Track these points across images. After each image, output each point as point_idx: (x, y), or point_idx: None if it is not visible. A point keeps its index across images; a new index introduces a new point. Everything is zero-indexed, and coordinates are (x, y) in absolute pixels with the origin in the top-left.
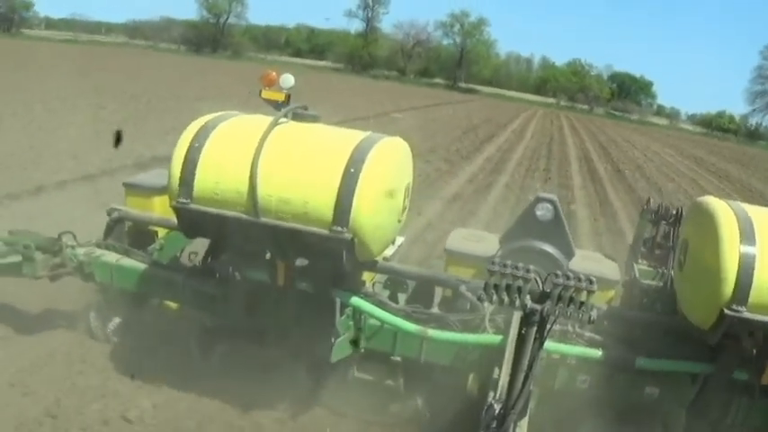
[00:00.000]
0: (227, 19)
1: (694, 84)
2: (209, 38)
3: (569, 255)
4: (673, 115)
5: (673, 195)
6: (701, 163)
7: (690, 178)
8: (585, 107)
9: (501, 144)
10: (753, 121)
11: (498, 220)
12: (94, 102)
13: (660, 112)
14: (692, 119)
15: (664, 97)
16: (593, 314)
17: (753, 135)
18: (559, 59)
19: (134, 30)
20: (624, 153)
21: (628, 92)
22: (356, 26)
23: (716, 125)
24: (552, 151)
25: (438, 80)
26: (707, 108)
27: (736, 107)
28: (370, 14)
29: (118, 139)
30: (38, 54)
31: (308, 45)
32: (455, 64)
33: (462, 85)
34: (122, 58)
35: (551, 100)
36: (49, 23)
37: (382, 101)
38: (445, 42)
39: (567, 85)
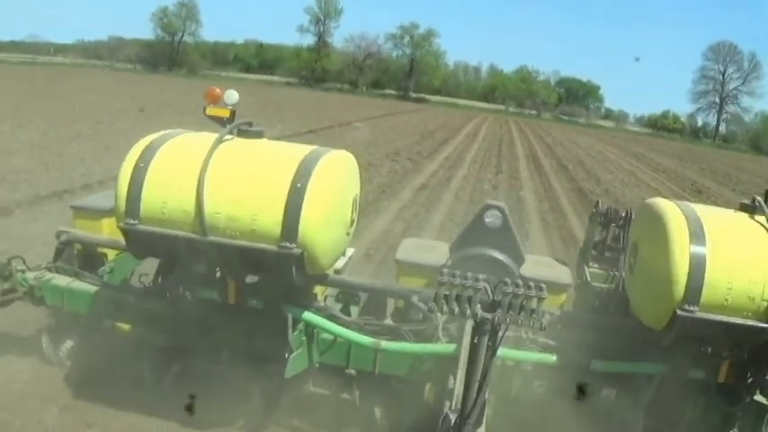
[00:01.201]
0: (182, 37)
1: (641, 86)
2: (164, 56)
3: (519, 261)
4: (621, 118)
5: (609, 184)
6: (641, 158)
7: (628, 171)
8: (534, 112)
9: (456, 146)
10: (699, 120)
11: (459, 204)
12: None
13: (608, 115)
14: (641, 121)
15: (611, 101)
16: (545, 321)
17: (697, 133)
18: (507, 67)
19: (84, 50)
20: (569, 152)
21: (575, 96)
22: (307, 40)
23: (661, 125)
24: (502, 151)
25: (389, 91)
26: (653, 109)
27: (681, 107)
28: (321, 29)
29: None
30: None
31: (256, 60)
32: (405, 75)
33: (413, 95)
34: (84, 78)
35: (500, 107)
36: None
37: (340, 112)
38: (395, 54)
39: (515, 92)
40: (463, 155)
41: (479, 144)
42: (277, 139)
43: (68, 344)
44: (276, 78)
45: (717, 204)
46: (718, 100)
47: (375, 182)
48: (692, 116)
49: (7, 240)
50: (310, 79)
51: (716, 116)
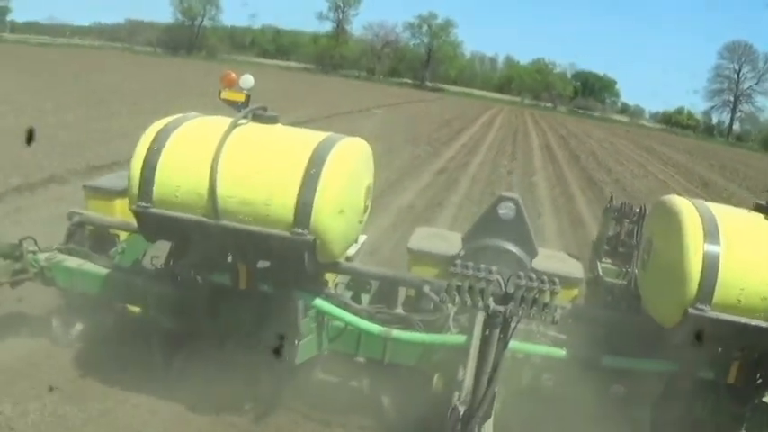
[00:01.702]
0: (202, 21)
1: (658, 83)
2: (184, 40)
3: (532, 254)
4: (636, 113)
5: (619, 175)
6: (652, 152)
7: (638, 163)
8: (549, 105)
9: (473, 134)
10: (714, 118)
11: (475, 186)
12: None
13: (624, 110)
14: (656, 117)
15: (628, 96)
16: (557, 315)
17: (711, 131)
18: (524, 58)
19: (100, 33)
20: (582, 143)
21: (591, 90)
22: (324, 27)
23: (675, 122)
24: (517, 140)
25: (406, 80)
26: (669, 106)
27: (696, 105)
28: (340, 16)
29: (30, 137)
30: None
31: (273, 46)
32: (422, 64)
33: (429, 84)
34: (106, 60)
35: (516, 98)
36: (14, 27)
37: (359, 98)
38: (412, 43)
39: (531, 84)
40: (479, 143)
41: (495, 134)
42: (298, 122)
43: (78, 326)
44: (294, 64)
45: (722, 198)
46: (732, 98)
47: (396, 165)
48: (706, 114)
49: (65, 203)
50: (328, 66)
51: (729, 114)
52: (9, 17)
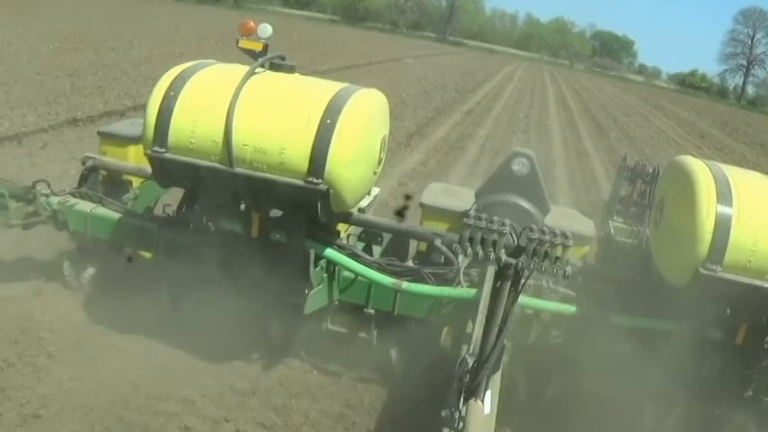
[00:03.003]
0: None
1: (677, 45)
2: None
3: (545, 210)
4: (654, 74)
5: (624, 123)
6: (659, 108)
7: (644, 116)
8: (567, 62)
9: (495, 84)
10: (730, 82)
11: (498, 125)
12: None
13: (642, 71)
14: (674, 78)
15: (646, 57)
16: (569, 269)
17: (724, 93)
18: (544, 16)
19: None
20: (594, 97)
21: (609, 50)
22: None
23: (689, 83)
24: (535, 91)
25: (428, 33)
26: (686, 68)
27: (710, 67)
28: None
29: None
30: None
31: None
32: (444, 18)
33: (451, 38)
34: (142, 5)
35: (535, 55)
36: None
37: (389, 50)
38: None
39: (550, 42)
40: (501, 92)
41: (515, 85)
42: (337, 69)
43: (90, 271)
44: (319, 15)
45: (716, 148)
46: (745, 62)
47: (432, 105)
48: (722, 76)
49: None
50: (353, 17)
51: (742, 78)
52: None
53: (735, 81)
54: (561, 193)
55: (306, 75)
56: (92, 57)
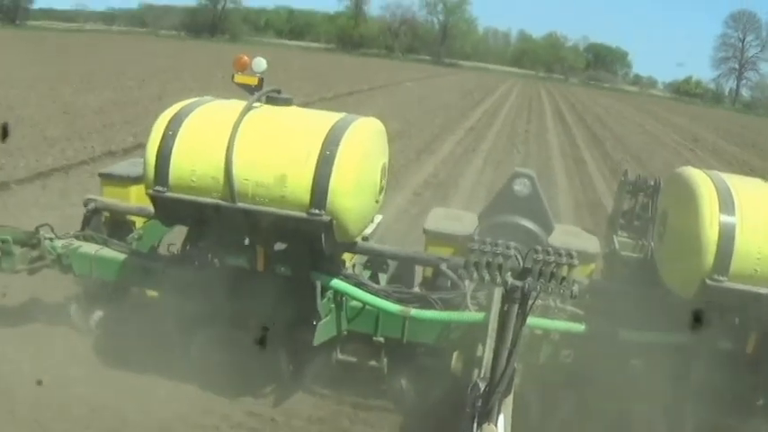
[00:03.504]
0: (225, 4)
1: (670, 53)
2: (207, 23)
3: (548, 229)
4: (649, 84)
5: (618, 132)
6: (653, 115)
7: (638, 123)
8: (561, 77)
9: (493, 101)
10: (725, 87)
11: (499, 139)
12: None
13: (637, 81)
14: (669, 87)
15: (641, 67)
16: (575, 289)
17: (718, 98)
18: (536, 32)
19: (111, 18)
20: (588, 109)
21: (603, 62)
22: (335, 7)
23: (683, 90)
24: (532, 107)
25: (423, 56)
26: (681, 76)
27: (704, 73)
28: None
29: (4, 132)
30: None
31: (287, 26)
32: (438, 41)
33: (446, 60)
34: (142, 44)
35: (530, 71)
36: (29, 14)
37: (388, 74)
38: (428, 20)
39: (544, 57)
40: (499, 109)
41: (512, 101)
42: (342, 95)
43: (98, 314)
44: (314, 44)
45: (709, 150)
46: (737, 66)
47: (436, 123)
48: (717, 82)
49: None
50: (348, 45)
51: (735, 82)
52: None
53: (729, 85)
54: (561, 196)
55: (313, 102)
56: (111, 95)
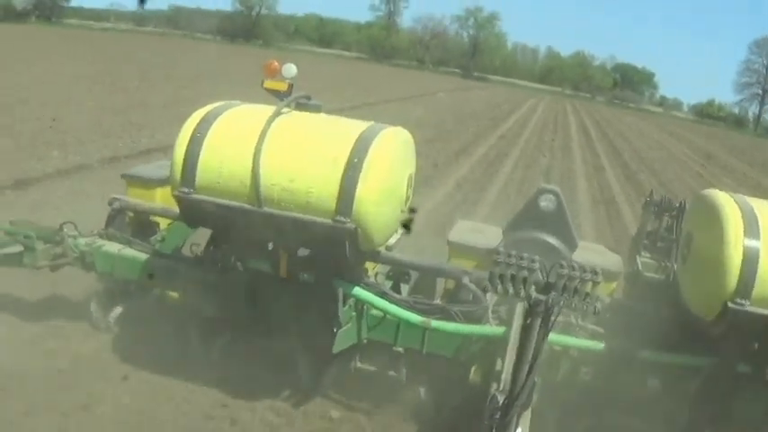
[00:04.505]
0: (260, 11)
1: (697, 76)
2: (242, 29)
3: (572, 246)
4: (675, 105)
5: (638, 146)
6: (672, 134)
7: (657, 140)
8: (588, 95)
9: (521, 115)
10: (749, 111)
11: (528, 146)
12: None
13: (663, 102)
14: (693, 109)
15: (667, 89)
16: (599, 305)
17: (741, 122)
18: (564, 50)
19: (141, 18)
20: (612, 126)
21: (630, 82)
22: (366, 17)
23: (706, 113)
24: (558, 121)
25: (453, 69)
26: (707, 98)
27: (726, 96)
28: (392, 8)
29: None
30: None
31: (317, 34)
32: (468, 55)
33: (475, 74)
34: (181, 46)
35: (557, 88)
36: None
37: (421, 85)
38: (459, 34)
39: (571, 75)
40: (527, 122)
41: (539, 115)
42: (379, 102)
43: (117, 310)
44: (347, 53)
45: (719, 166)
46: (760, 92)
47: (470, 131)
48: (741, 106)
49: None
50: (380, 55)
51: (758, 107)
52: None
53: (752, 110)
54: (581, 194)
55: (358, 106)
56: (172, 92)
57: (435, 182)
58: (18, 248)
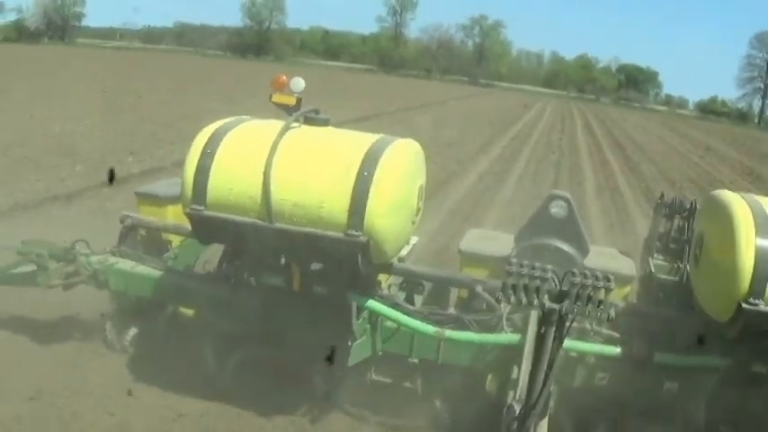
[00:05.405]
0: (270, 26)
1: (701, 73)
2: (252, 44)
3: (584, 252)
4: (680, 104)
5: (639, 141)
6: (674, 130)
7: (659, 136)
8: (593, 97)
9: (530, 118)
10: (753, 105)
11: (538, 145)
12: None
13: (669, 101)
14: (697, 106)
15: (671, 87)
16: (612, 312)
17: (744, 117)
18: (568, 54)
19: (148, 36)
20: (616, 124)
21: (635, 82)
22: (369, 28)
23: (710, 110)
24: (564, 123)
25: (460, 77)
26: (711, 95)
27: (728, 92)
28: (398, 20)
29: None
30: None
31: (322, 47)
32: (474, 62)
33: (482, 81)
34: (193, 63)
35: (562, 92)
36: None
37: (432, 94)
38: (464, 42)
39: (576, 78)
40: (536, 123)
41: (546, 117)
42: (397, 111)
43: (132, 331)
44: (356, 65)
45: (717, 157)
46: (762, 86)
47: (484, 134)
48: (744, 101)
49: None
50: (389, 66)
51: (760, 101)
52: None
53: (756, 104)
54: (587, 183)
55: (380, 114)
56: (203, 105)
57: (461, 176)
58: (31, 268)
